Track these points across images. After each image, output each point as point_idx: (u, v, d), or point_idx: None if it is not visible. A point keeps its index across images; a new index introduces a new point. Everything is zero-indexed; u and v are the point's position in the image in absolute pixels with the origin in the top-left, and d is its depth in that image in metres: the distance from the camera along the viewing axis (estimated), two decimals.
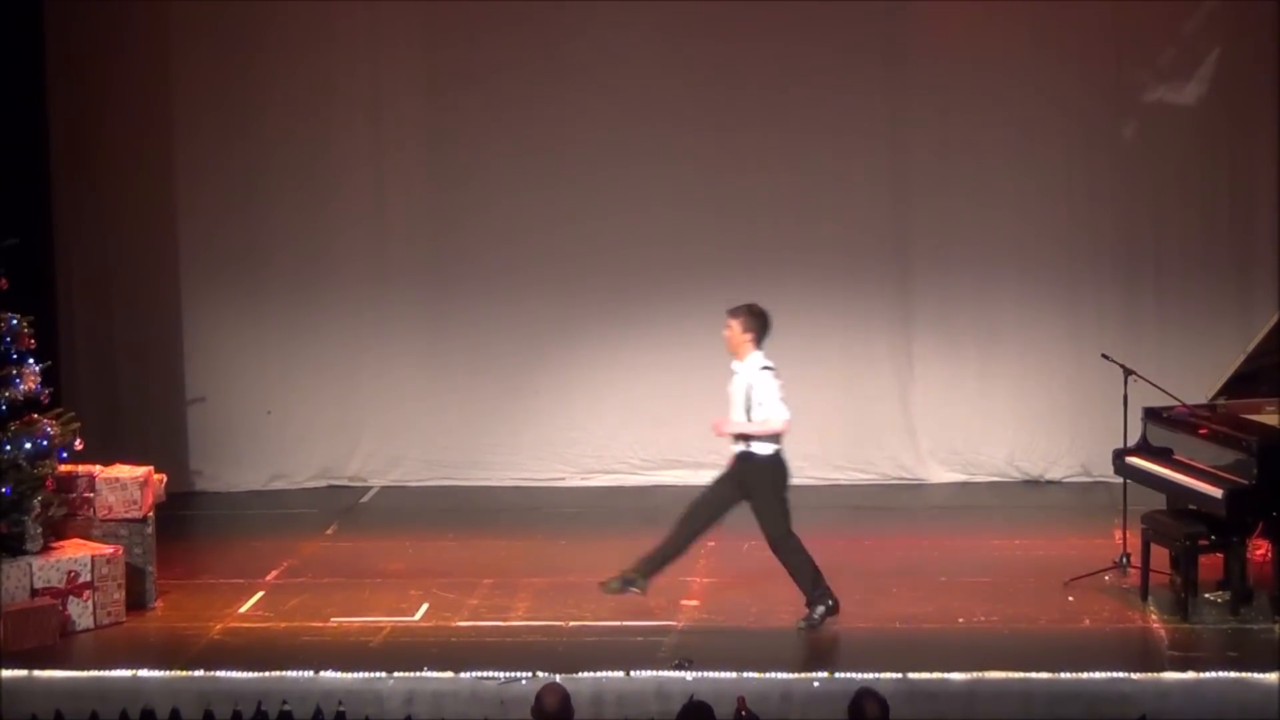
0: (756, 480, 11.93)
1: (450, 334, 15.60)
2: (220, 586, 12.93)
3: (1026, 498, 15.05)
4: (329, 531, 14.42)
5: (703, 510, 12.11)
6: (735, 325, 11.87)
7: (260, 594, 12.70)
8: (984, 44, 15.12)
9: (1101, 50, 15.08)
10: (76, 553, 12.14)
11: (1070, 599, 12.36)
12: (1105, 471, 13.38)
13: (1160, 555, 12.22)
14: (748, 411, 11.83)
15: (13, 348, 12.12)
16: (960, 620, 12.02)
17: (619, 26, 15.20)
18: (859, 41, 15.20)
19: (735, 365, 11.91)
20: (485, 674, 10.94)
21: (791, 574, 11.96)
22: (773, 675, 10.81)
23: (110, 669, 11.18)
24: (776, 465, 11.94)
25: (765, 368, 11.83)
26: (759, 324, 11.86)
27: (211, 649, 11.70)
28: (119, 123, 15.40)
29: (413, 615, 12.27)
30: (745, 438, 11.88)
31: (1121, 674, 10.82)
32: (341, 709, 10.57)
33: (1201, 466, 12.02)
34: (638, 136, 15.27)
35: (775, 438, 11.90)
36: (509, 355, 15.54)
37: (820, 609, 11.88)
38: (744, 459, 11.93)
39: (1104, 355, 13.07)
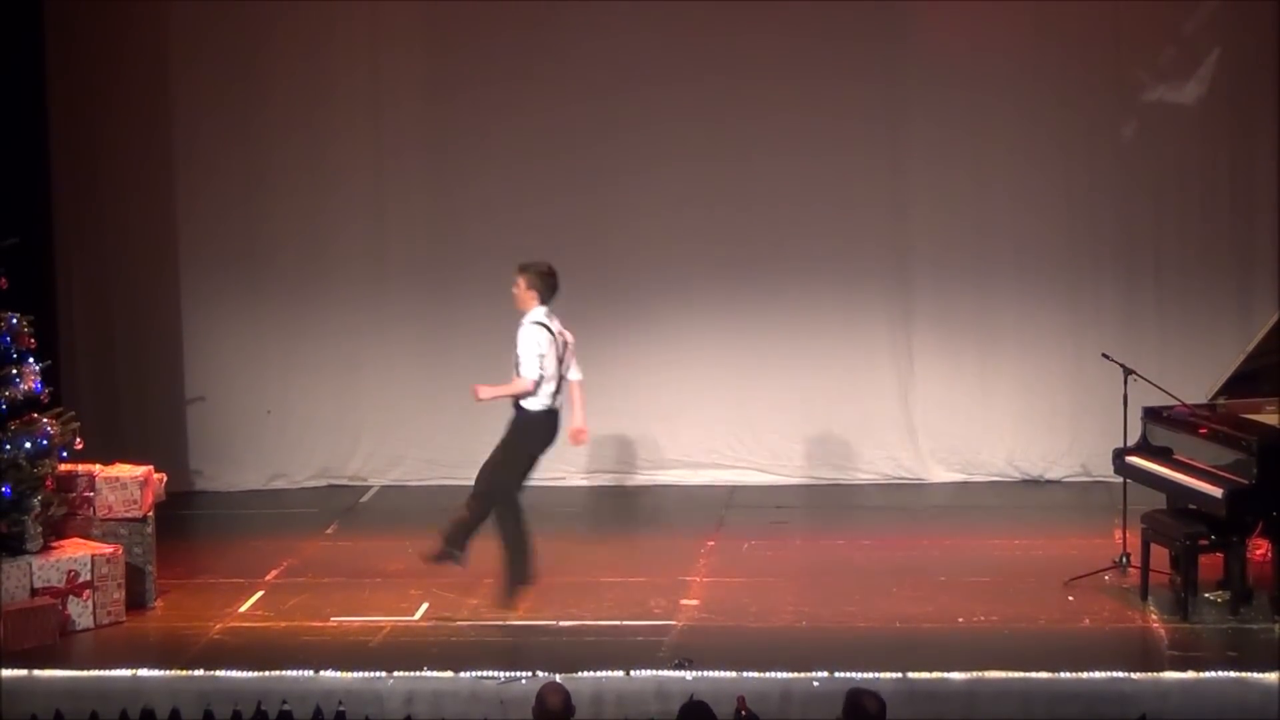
0: (517, 427, 12.00)
1: (450, 334, 15.60)
2: (220, 586, 12.93)
3: (1026, 497, 15.04)
4: (329, 531, 14.42)
5: (485, 469, 12.13)
6: (521, 282, 12.03)
7: (260, 594, 12.70)
8: (985, 42, 15.11)
9: (1102, 49, 15.08)
10: (76, 552, 12.14)
11: (1070, 599, 12.36)
12: (1105, 471, 13.38)
13: (1160, 555, 12.22)
14: (516, 366, 11.93)
15: (13, 347, 12.12)
16: (960, 620, 12.02)
17: (617, 27, 15.20)
18: (859, 41, 15.18)
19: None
20: (485, 673, 10.94)
21: (501, 539, 12.09)
22: (772, 675, 10.80)
23: (110, 669, 11.18)
24: (542, 423, 11.99)
25: (536, 322, 11.93)
26: (542, 283, 11.98)
27: (211, 649, 11.70)
28: (119, 123, 15.41)
29: (412, 615, 12.27)
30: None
31: (1121, 674, 10.81)
32: (341, 709, 10.57)
33: (1201, 466, 12.02)
34: (636, 135, 15.27)
35: (547, 397, 11.93)
36: (509, 354, 15.47)
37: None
38: (515, 409, 12.00)
39: (1104, 355, 13.07)
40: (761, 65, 15.19)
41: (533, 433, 12.01)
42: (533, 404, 11.98)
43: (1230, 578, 11.95)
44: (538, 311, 12.00)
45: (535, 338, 11.92)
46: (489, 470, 12.17)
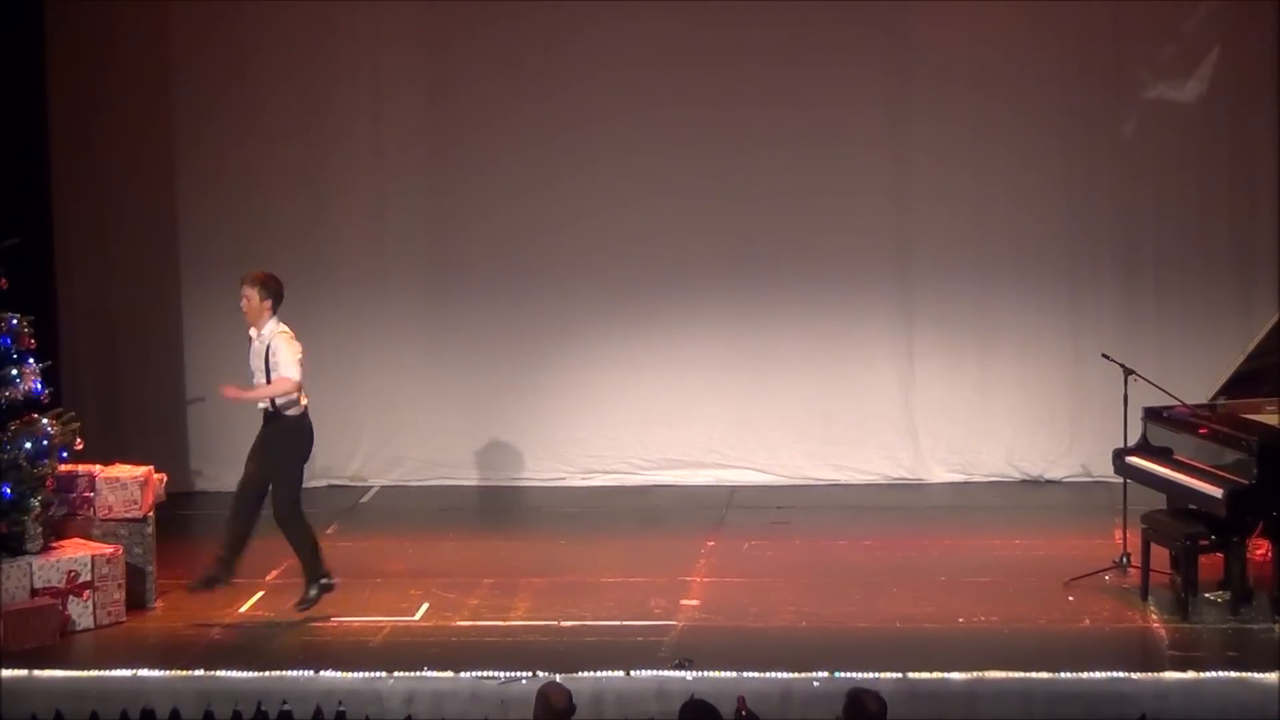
0: (280, 440, 12.08)
1: (450, 334, 15.60)
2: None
3: (1026, 497, 15.04)
4: (329, 531, 14.40)
5: (249, 488, 12.19)
6: (253, 295, 12.12)
7: (260, 594, 12.69)
8: (985, 40, 15.11)
9: (1102, 48, 15.08)
10: (76, 552, 12.14)
11: (1070, 599, 12.35)
12: (1105, 471, 13.38)
13: (1160, 555, 12.22)
14: (269, 375, 11.99)
15: (13, 347, 12.11)
16: (960, 620, 12.01)
17: (618, 25, 15.19)
18: (860, 38, 15.18)
19: (252, 333, 12.12)
20: (485, 674, 10.93)
21: (295, 549, 12.18)
22: (773, 675, 10.79)
23: (110, 669, 11.18)
24: (301, 429, 12.09)
25: (283, 331, 12.03)
26: (273, 292, 12.11)
27: (211, 649, 11.70)
28: (119, 124, 15.41)
29: (413, 615, 12.27)
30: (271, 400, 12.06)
31: (1121, 674, 10.80)
32: (341, 709, 10.57)
33: (1201, 466, 12.02)
34: (637, 136, 15.27)
35: (299, 402, 12.02)
36: (509, 355, 15.54)
37: (314, 590, 12.08)
38: (270, 419, 12.07)
39: (1104, 355, 13.08)
40: (762, 63, 15.17)
41: (299, 440, 12.11)
42: (291, 410, 12.03)
43: (1230, 578, 11.94)
44: (275, 322, 12.08)
45: (293, 345, 11.98)
46: (277, 493, 12.14)
